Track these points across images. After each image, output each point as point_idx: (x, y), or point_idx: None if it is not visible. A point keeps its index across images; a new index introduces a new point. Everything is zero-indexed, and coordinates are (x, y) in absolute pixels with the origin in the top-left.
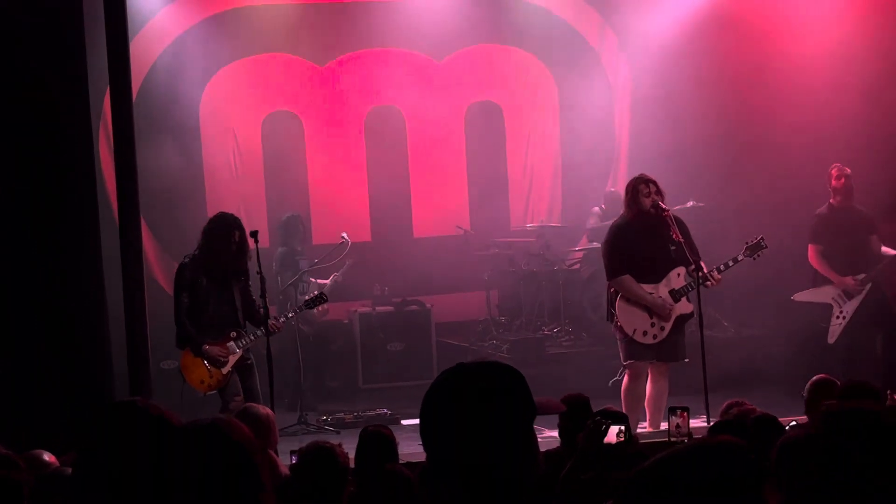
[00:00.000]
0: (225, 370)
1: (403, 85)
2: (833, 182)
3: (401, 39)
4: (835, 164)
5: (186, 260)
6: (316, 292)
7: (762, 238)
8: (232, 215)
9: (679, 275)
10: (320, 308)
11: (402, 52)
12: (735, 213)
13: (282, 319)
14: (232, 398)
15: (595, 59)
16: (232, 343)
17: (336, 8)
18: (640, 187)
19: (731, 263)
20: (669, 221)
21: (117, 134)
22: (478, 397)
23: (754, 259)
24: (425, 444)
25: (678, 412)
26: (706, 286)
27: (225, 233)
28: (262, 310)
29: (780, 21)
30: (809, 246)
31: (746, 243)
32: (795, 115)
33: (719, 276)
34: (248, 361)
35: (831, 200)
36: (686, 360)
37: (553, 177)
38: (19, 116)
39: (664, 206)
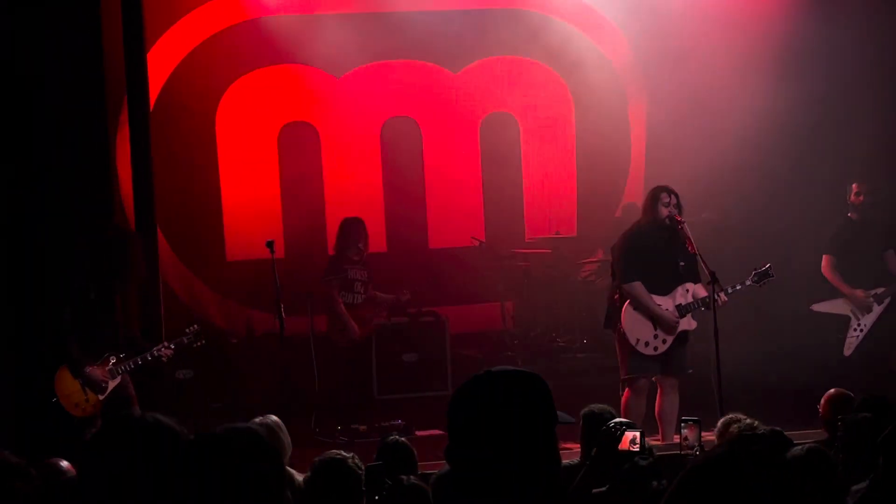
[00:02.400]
0: (104, 396)
1: (419, 96)
2: (852, 198)
3: (417, 51)
4: (856, 181)
5: (75, 274)
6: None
7: (770, 266)
8: (129, 229)
9: (688, 291)
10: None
11: (418, 64)
12: (752, 225)
13: (171, 346)
14: (91, 430)
15: (610, 69)
16: (112, 367)
17: (352, 19)
18: (661, 196)
19: (738, 287)
20: (686, 234)
21: (134, 144)
22: (503, 402)
23: (760, 286)
24: (450, 446)
25: (688, 424)
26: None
27: (122, 246)
28: (279, 322)
29: (805, 27)
30: (823, 256)
31: (755, 270)
32: (817, 125)
33: (726, 298)
34: (123, 385)
35: (850, 214)
36: (690, 371)
37: (568, 188)
38: (37, 126)
39: (679, 218)
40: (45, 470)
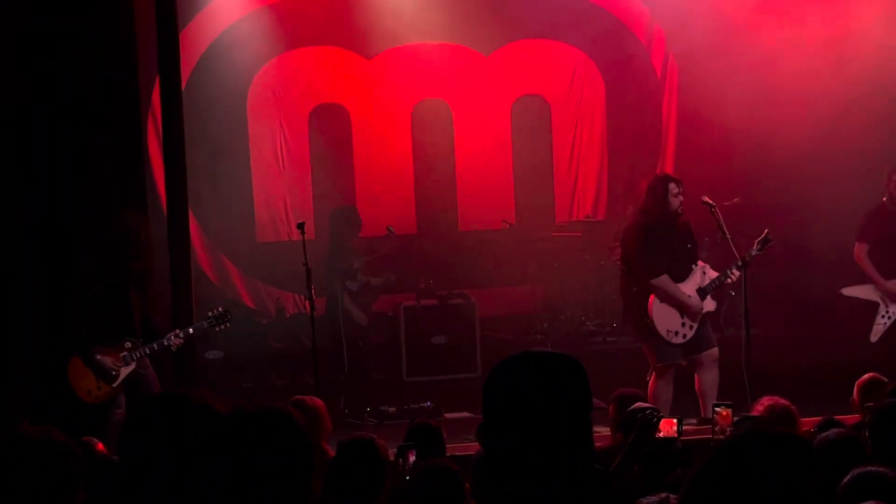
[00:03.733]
0: (116, 384)
1: (451, 79)
2: (886, 182)
3: (448, 33)
4: (891, 165)
5: (85, 264)
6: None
7: (768, 231)
8: (135, 214)
9: (704, 273)
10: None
11: (449, 46)
12: (784, 210)
13: (180, 335)
14: (114, 412)
15: (643, 54)
16: (126, 354)
17: (384, 0)
18: (670, 186)
19: (747, 258)
20: (718, 218)
21: (166, 124)
22: (541, 384)
23: (762, 253)
24: (483, 425)
25: (721, 409)
26: (726, 283)
27: (130, 235)
28: (307, 302)
29: (841, 12)
30: (856, 243)
31: (757, 239)
32: (852, 109)
33: (738, 272)
34: (140, 371)
35: (884, 199)
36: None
37: (599, 172)
38: (68, 107)
39: (711, 202)
40: (84, 448)
